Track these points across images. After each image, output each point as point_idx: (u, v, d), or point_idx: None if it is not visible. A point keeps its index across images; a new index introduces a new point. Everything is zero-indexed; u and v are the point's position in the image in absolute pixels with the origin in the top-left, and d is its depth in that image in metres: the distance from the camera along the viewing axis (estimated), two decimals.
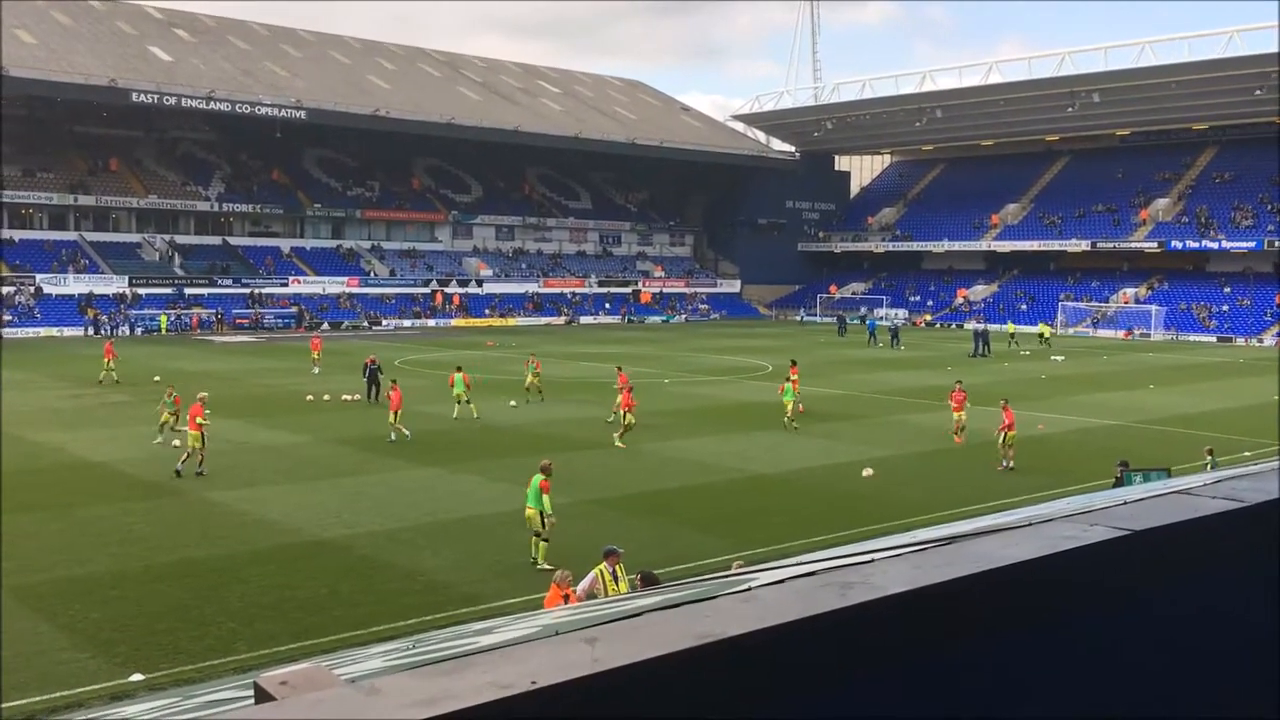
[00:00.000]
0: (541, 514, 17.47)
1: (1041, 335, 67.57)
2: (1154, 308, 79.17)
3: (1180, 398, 40.46)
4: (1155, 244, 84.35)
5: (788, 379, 33.26)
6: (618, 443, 28.17)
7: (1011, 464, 26.07)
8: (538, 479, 17.63)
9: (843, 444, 29.30)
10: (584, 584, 12.64)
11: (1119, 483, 18.59)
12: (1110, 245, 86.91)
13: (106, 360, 40.94)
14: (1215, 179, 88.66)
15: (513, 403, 35.34)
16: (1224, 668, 1.92)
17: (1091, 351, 62.66)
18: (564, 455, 27.00)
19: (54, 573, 16.66)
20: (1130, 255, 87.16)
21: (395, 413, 28.65)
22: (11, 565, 16.81)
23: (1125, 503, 2.25)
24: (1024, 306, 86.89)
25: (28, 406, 34.00)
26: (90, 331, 65.67)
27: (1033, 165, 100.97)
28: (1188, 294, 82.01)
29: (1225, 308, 78.85)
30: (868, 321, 72.48)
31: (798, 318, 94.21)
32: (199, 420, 23.87)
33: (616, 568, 12.82)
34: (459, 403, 32.21)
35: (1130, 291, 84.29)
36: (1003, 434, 26.22)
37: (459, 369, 33.09)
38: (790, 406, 31.81)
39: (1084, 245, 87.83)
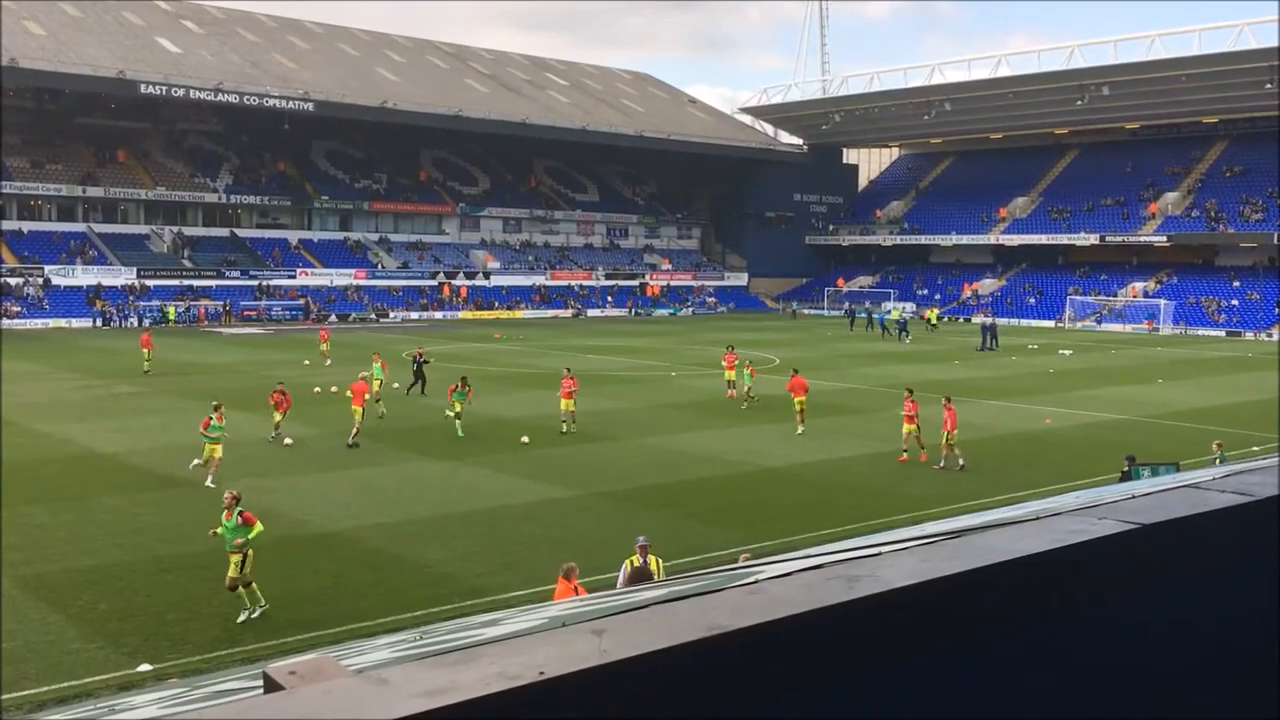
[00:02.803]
0: (245, 555, 14.74)
1: (928, 321, 72.53)
2: (1163, 302, 78.94)
3: (1189, 392, 40.34)
4: (1164, 238, 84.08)
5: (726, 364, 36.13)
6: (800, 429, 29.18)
7: (962, 463, 24.63)
8: (235, 512, 14.85)
9: (849, 437, 29.27)
10: (621, 578, 12.94)
11: (1126, 477, 18.56)
12: (1119, 239, 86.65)
13: (145, 351, 41.30)
14: (1225, 173, 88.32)
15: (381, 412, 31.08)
16: (1232, 663, 1.92)
17: (1100, 346, 62.54)
18: (574, 447, 27.09)
19: (64, 564, 16.73)
20: (1139, 249, 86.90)
21: (281, 414, 27.33)
22: (22, 556, 16.89)
23: (1133, 496, 2.24)
24: (1032, 300, 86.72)
25: (38, 398, 34.10)
26: (99, 323, 65.84)
27: (1041, 158, 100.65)
28: (1197, 288, 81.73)
29: (1235, 302, 78.59)
30: (876, 315, 72.31)
31: (790, 310, 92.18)
32: (366, 397, 27.76)
33: (649, 558, 13.12)
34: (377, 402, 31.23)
35: (1139, 285, 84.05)
36: (946, 434, 24.83)
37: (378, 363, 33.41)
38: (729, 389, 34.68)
39: (1092, 239, 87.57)
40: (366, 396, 27.95)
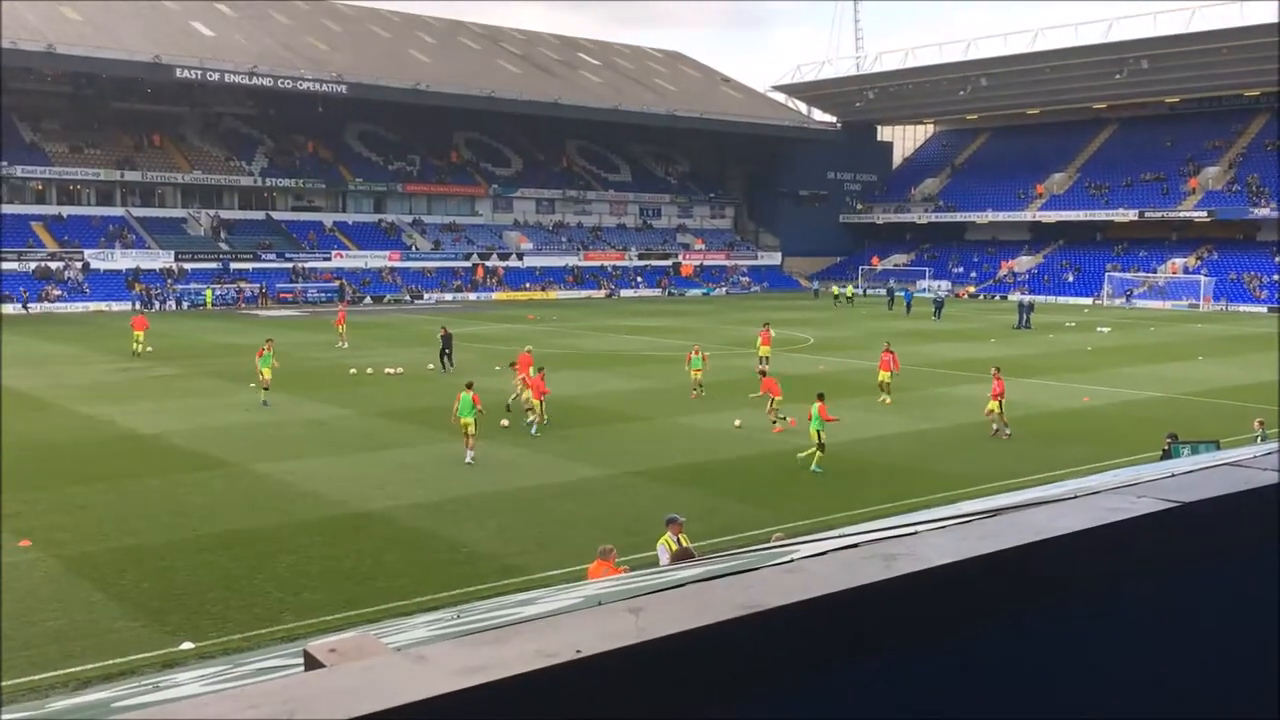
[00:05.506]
0: None
1: (836, 296, 77.17)
2: (1203, 278, 77.87)
3: (1230, 369, 39.83)
4: (1205, 213, 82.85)
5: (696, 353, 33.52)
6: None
7: (1007, 431, 26.12)
8: None
9: (886, 416, 29.15)
10: (662, 559, 12.76)
11: (1167, 455, 18.37)
12: (1159, 215, 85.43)
13: (139, 334, 41.24)
14: (1267, 146, 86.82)
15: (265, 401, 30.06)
16: (1274, 642, 1.90)
17: (1139, 323, 61.84)
18: (609, 427, 27.16)
19: (107, 543, 16.98)
20: (1179, 225, 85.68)
21: (536, 399, 27.04)
22: (65, 536, 17.19)
23: (1173, 475, 2.22)
24: (1070, 277, 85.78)
25: (79, 381, 34.56)
26: (138, 306, 66.56)
27: (1079, 133, 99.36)
28: (1238, 264, 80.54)
29: (1276, 277, 77.40)
30: (903, 293, 71.81)
31: (815, 290, 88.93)
32: (531, 370, 28.92)
33: (680, 536, 12.96)
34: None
35: (1179, 261, 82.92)
36: (996, 402, 26.34)
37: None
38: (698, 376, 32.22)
39: (1131, 215, 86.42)
40: (532, 370, 28.89)
